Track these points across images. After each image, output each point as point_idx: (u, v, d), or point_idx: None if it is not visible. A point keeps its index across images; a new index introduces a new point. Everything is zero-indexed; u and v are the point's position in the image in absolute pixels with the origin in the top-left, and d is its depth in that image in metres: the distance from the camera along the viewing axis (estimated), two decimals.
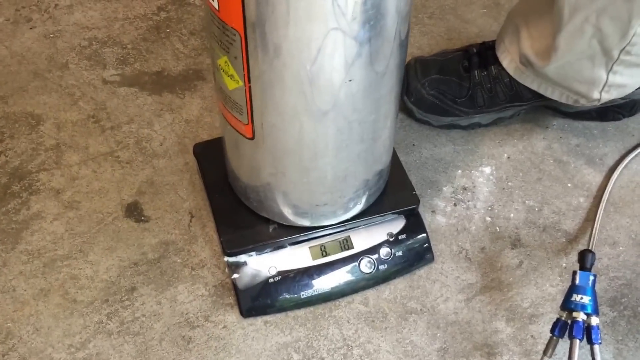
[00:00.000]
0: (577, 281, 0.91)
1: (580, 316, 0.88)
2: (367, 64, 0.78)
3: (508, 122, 1.21)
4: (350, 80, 0.78)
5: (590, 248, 1.01)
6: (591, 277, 0.91)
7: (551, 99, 1.14)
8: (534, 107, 1.20)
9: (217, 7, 0.75)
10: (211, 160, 1.07)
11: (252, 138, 0.87)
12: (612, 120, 1.22)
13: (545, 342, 0.91)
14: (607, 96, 1.09)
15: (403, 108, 1.21)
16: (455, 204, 1.12)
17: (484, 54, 1.17)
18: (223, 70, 0.82)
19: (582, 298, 0.89)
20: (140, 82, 1.26)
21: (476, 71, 1.16)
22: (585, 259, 0.94)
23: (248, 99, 0.82)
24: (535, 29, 1.08)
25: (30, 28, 1.34)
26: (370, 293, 1.02)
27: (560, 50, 1.03)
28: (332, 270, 1.01)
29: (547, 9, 1.06)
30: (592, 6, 0.98)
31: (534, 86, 1.13)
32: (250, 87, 0.80)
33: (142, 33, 1.34)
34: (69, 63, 1.29)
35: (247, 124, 0.85)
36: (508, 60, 1.13)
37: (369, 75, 0.79)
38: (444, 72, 1.17)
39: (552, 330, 0.89)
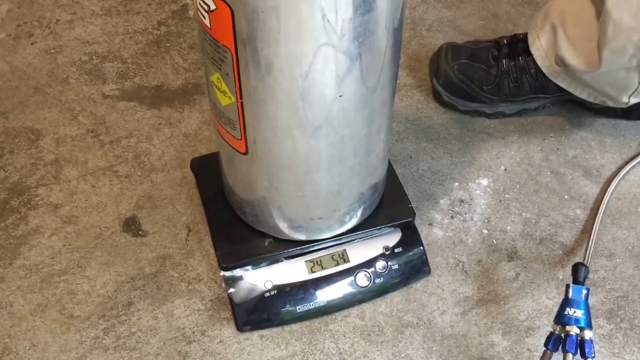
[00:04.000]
0: (570, 295, 0.91)
1: (574, 330, 0.88)
2: (357, 79, 0.78)
3: (505, 134, 1.22)
4: (340, 96, 0.79)
5: (586, 260, 1.01)
6: (584, 291, 0.91)
7: (575, 95, 1.18)
8: (559, 101, 1.23)
9: (208, 25, 0.76)
10: (208, 174, 1.08)
11: (246, 153, 0.88)
12: (637, 119, 1.24)
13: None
14: (635, 100, 1.14)
15: (431, 90, 1.25)
16: (452, 217, 1.12)
17: (514, 45, 1.20)
18: (216, 87, 0.83)
19: (575, 312, 0.88)
20: (139, 97, 1.27)
21: (504, 60, 1.19)
22: (578, 273, 0.94)
23: (240, 114, 0.82)
24: (573, 33, 1.11)
25: (32, 43, 1.35)
26: (366, 306, 1.02)
27: (603, 63, 1.07)
28: (328, 284, 1.01)
29: (584, 12, 1.09)
30: (636, 28, 1.01)
31: (564, 85, 1.16)
32: (242, 103, 0.81)
33: (142, 47, 1.35)
34: (69, 78, 1.30)
35: (241, 139, 0.86)
36: (542, 58, 1.16)
37: (359, 90, 0.80)
38: (474, 59, 1.21)
39: (546, 344, 0.89)
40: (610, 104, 1.16)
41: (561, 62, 1.12)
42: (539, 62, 1.16)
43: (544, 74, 1.16)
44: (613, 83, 1.11)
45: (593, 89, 1.14)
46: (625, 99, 1.14)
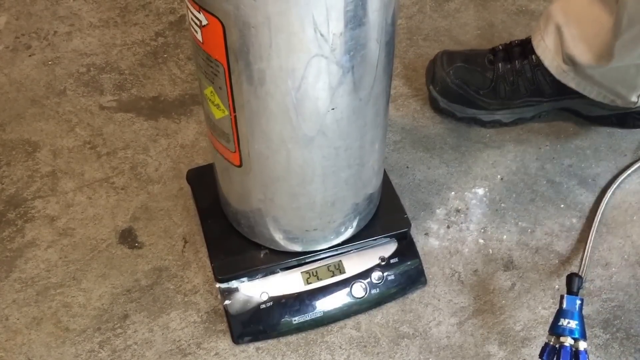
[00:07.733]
0: (564, 305, 0.90)
1: (568, 341, 0.88)
2: (349, 92, 0.78)
3: (500, 143, 1.22)
4: (333, 109, 0.79)
5: (582, 269, 1.01)
6: (578, 302, 0.91)
7: (571, 101, 1.18)
8: (554, 110, 1.23)
9: (201, 40, 0.76)
10: (204, 186, 1.08)
11: (240, 165, 0.88)
12: (631, 127, 1.23)
13: None
14: None
15: (428, 97, 1.26)
16: (448, 226, 1.12)
17: (510, 50, 1.20)
18: (209, 100, 0.83)
19: (569, 323, 0.88)
20: (136, 108, 1.27)
21: (500, 64, 1.20)
22: (572, 283, 0.94)
23: (234, 127, 0.83)
24: (579, 31, 1.11)
25: (29, 55, 1.36)
26: (362, 318, 1.02)
27: (614, 56, 1.06)
28: (324, 295, 1.01)
29: (587, 10, 1.09)
30: None
31: (572, 85, 1.15)
32: (235, 116, 0.81)
33: (139, 59, 1.35)
34: (66, 89, 1.30)
35: (235, 152, 0.86)
36: (549, 59, 1.15)
37: (352, 102, 0.80)
38: (469, 62, 1.21)
39: (541, 355, 0.89)
40: (619, 103, 1.16)
41: (570, 60, 1.12)
42: (546, 63, 1.15)
43: (540, 77, 1.16)
44: (623, 81, 1.11)
45: (603, 87, 1.14)
46: (634, 99, 1.14)
